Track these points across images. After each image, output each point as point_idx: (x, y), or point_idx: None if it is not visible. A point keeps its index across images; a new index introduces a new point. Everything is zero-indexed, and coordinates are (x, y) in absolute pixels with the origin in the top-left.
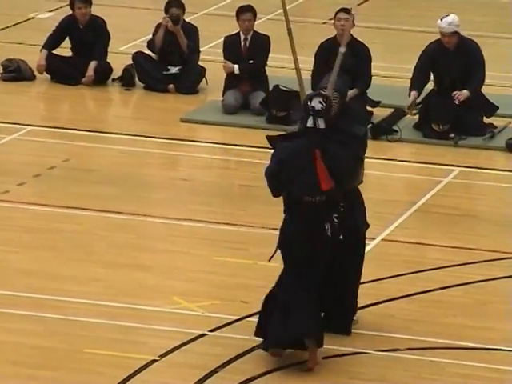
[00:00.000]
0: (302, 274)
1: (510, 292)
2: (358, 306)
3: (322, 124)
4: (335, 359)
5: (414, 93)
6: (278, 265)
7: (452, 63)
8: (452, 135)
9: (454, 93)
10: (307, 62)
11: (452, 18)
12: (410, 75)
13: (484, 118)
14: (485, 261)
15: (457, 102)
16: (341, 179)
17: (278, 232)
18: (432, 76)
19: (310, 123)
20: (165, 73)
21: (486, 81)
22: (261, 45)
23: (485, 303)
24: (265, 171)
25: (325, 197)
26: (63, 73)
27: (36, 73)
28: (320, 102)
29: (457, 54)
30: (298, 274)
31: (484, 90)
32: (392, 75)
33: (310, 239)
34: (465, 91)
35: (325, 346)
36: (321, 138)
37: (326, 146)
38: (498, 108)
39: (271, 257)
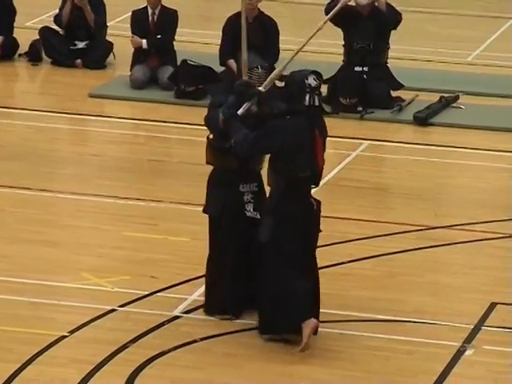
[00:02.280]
0: (297, 256)
1: (419, 264)
2: None
3: (317, 101)
4: (245, 333)
5: None
6: (187, 239)
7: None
8: (360, 108)
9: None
10: (216, 37)
11: None
12: (318, 49)
13: (391, 91)
14: (393, 233)
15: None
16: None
17: (186, 207)
18: (343, 49)
19: (308, 101)
20: (72, 48)
21: (395, 54)
22: (169, 19)
23: (394, 275)
24: (252, 138)
25: (310, 172)
26: None
27: None
28: (314, 79)
29: (370, 19)
30: (294, 256)
31: (392, 63)
32: (302, 49)
33: (306, 215)
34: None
35: (237, 321)
36: (317, 115)
37: (319, 123)
38: (403, 86)
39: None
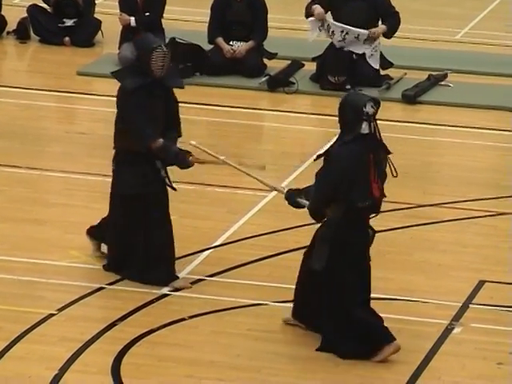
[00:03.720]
0: (355, 284)
1: (407, 242)
2: (256, 257)
3: (373, 129)
4: (233, 311)
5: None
6: (175, 217)
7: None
8: (348, 87)
9: (371, 30)
10: (204, 15)
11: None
12: (307, 26)
13: (380, 69)
14: (381, 211)
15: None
16: (383, 183)
17: (175, 185)
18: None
19: (365, 129)
20: (60, 25)
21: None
22: None
23: (382, 254)
24: (319, 193)
25: (371, 202)
26: None
27: None
28: (372, 107)
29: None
30: (352, 284)
31: (380, 41)
32: (289, 27)
33: (362, 244)
34: (382, 26)
35: (221, 298)
36: (372, 142)
37: (374, 150)
38: (392, 64)
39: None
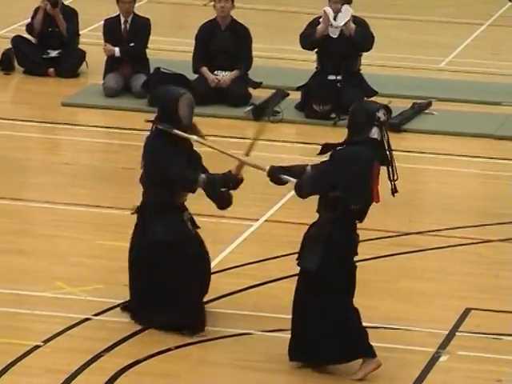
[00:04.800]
0: (346, 287)
1: (393, 270)
2: (242, 287)
3: (380, 136)
4: (219, 341)
5: None
6: None
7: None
8: (333, 115)
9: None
10: (189, 44)
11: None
12: (292, 56)
13: (365, 98)
14: (367, 240)
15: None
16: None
17: None
18: (316, 56)
19: (374, 134)
20: (44, 56)
21: (368, 61)
22: (141, 27)
23: (368, 282)
24: (311, 176)
25: (362, 206)
26: None
27: None
28: (384, 114)
29: (342, 38)
30: (343, 286)
31: (364, 70)
32: (273, 56)
33: (354, 247)
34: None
35: (208, 328)
36: (378, 150)
37: (380, 158)
38: (377, 92)
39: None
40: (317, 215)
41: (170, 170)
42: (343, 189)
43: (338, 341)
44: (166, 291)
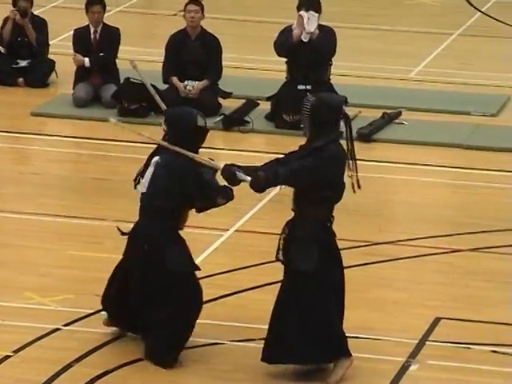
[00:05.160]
0: (337, 286)
1: (364, 280)
2: (212, 297)
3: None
4: (190, 350)
5: None
6: None
7: (305, 55)
8: (303, 125)
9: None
10: (158, 54)
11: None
12: (262, 66)
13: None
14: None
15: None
16: None
17: (130, 225)
18: (286, 66)
19: (342, 128)
20: (14, 66)
21: (337, 71)
22: (111, 37)
23: None
24: (302, 169)
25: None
26: None
27: None
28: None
29: (310, 46)
30: (335, 286)
31: (334, 80)
32: (244, 66)
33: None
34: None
35: None
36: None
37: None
38: (347, 103)
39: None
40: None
41: (207, 179)
42: (333, 188)
43: (321, 341)
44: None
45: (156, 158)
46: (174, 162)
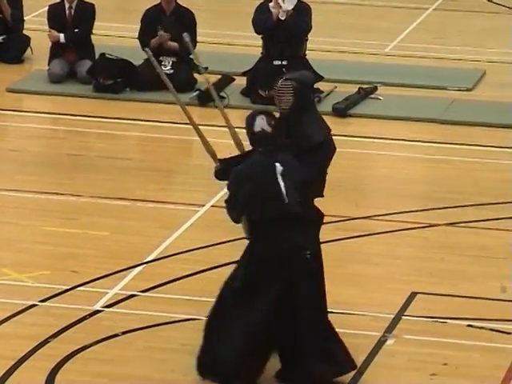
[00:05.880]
0: None
1: (340, 255)
2: (189, 272)
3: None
4: (166, 326)
5: None
6: (107, 233)
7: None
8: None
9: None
10: (133, 30)
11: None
12: (237, 41)
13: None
14: None
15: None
16: None
17: (106, 201)
18: (261, 41)
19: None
20: None
21: (313, 46)
22: (86, 13)
23: None
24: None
25: None
26: None
27: None
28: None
29: (285, 23)
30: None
31: (310, 55)
32: (219, 41)
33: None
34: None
35: (155, 314)
36: None
37: None
38: (322, 77)
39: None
40: None
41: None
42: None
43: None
44: None
45: (280, 169)
46: (291, 167)
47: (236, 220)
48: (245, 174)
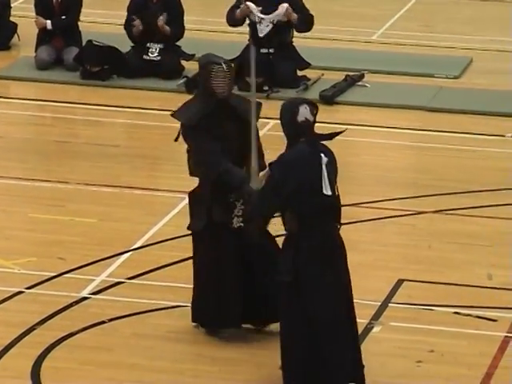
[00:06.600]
0: None
1: None
2: (175, 259)
3: None
4: (153, 313)
5: None
6: (94, 220)
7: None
8: (266, 88)
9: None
10: (121, 17)
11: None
12: (224, 28)
13: (297, 70)
14: None
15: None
16: None
17: (93, 188)
18: (248, 29)
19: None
20: None
21: (299, 33)
22: (73, 0)
23: None
24: None
25: None
26: None
27: None
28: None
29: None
30: None
31: (297, 42)
32: (206, 29)
33: None
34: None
35: (141, 301)
36: None
37: None
38: (309, 64)
39: None
40: None
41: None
42: None
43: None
44: None
45: (325, 159)
46: (332, 158)
47: (269, 211)
48: (293, 163)
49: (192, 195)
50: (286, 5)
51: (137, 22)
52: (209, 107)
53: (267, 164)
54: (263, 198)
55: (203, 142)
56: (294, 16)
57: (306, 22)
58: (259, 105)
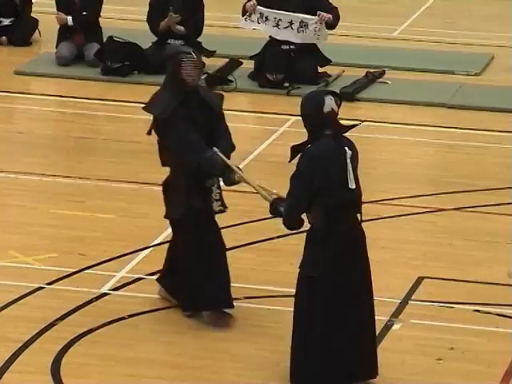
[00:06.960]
0: None
1: None
2: None
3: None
4: (172, 309)
5: None
6: (114, 216)
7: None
8: (286, 84)
9: (319, 13)
10: (141, 13)
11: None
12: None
13: (318, 67)
14: None
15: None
16: None
17: (113, 184)
18: None
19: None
20: None
21: None
22: None
23: None
24: None
25: None
26: None
27: None
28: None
29: (298, 6)
30: None
31: None
32: (227, 25)
33: None
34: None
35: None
36: None
37: None
38: (330, 61)
39: None
40: (270, 183)
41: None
42: None
43: None
44: None
45: (349, 153)
46: (355, 152)
47: (302, 207)
48: (319, 158)
49: (166, 184)
50: (323, 14)
51: (176, 17)
52: (179, 97)
53: (291, 152)
54: (294, 195)
55: (181, 132)
56: (329, 16)
57: (337, 18)
58: (221, 96)
